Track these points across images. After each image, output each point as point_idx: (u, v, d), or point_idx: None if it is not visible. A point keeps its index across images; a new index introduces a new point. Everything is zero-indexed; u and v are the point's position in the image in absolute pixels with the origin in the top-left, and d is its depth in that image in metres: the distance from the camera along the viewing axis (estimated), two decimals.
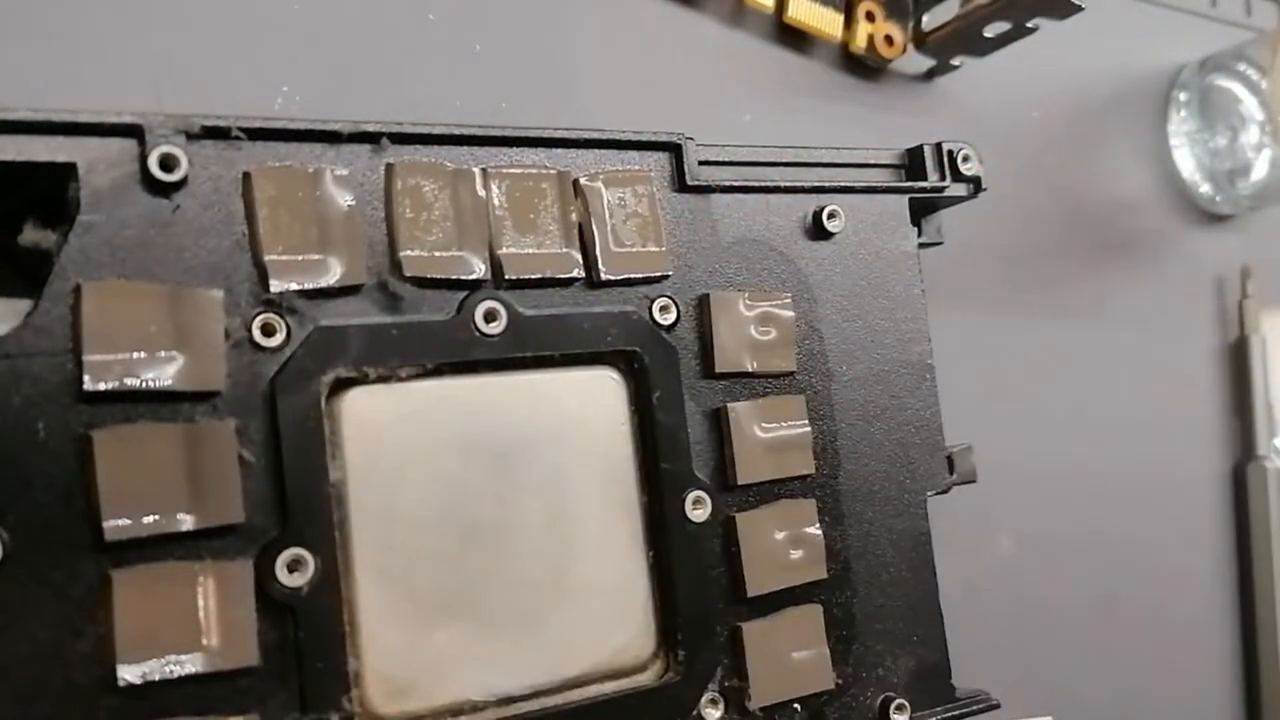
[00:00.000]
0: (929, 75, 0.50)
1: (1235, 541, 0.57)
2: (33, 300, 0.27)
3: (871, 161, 0.39)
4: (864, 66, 0.48)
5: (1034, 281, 0.52)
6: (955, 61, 0.49)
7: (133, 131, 0.27)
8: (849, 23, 0.46)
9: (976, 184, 0.40)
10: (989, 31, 0.46)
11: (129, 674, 0.26)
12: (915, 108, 0.49)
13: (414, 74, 0.38)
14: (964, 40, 0.47)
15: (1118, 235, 0.54)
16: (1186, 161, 0.58)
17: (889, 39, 0.47)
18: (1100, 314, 0.54)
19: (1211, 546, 0.56)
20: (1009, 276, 0.51)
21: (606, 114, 0.40)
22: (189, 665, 0.26)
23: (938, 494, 0.38)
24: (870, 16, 0.46)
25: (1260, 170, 0.56)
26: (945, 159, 0.39)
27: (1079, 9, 0.44)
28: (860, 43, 0.46)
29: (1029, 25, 0.46)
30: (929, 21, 0.48)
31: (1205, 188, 0.58)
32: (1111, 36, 0.56)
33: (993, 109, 0.51)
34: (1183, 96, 0.58)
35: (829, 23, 0.45)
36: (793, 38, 0.46)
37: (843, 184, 0.37)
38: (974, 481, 0.39)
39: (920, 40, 0.48)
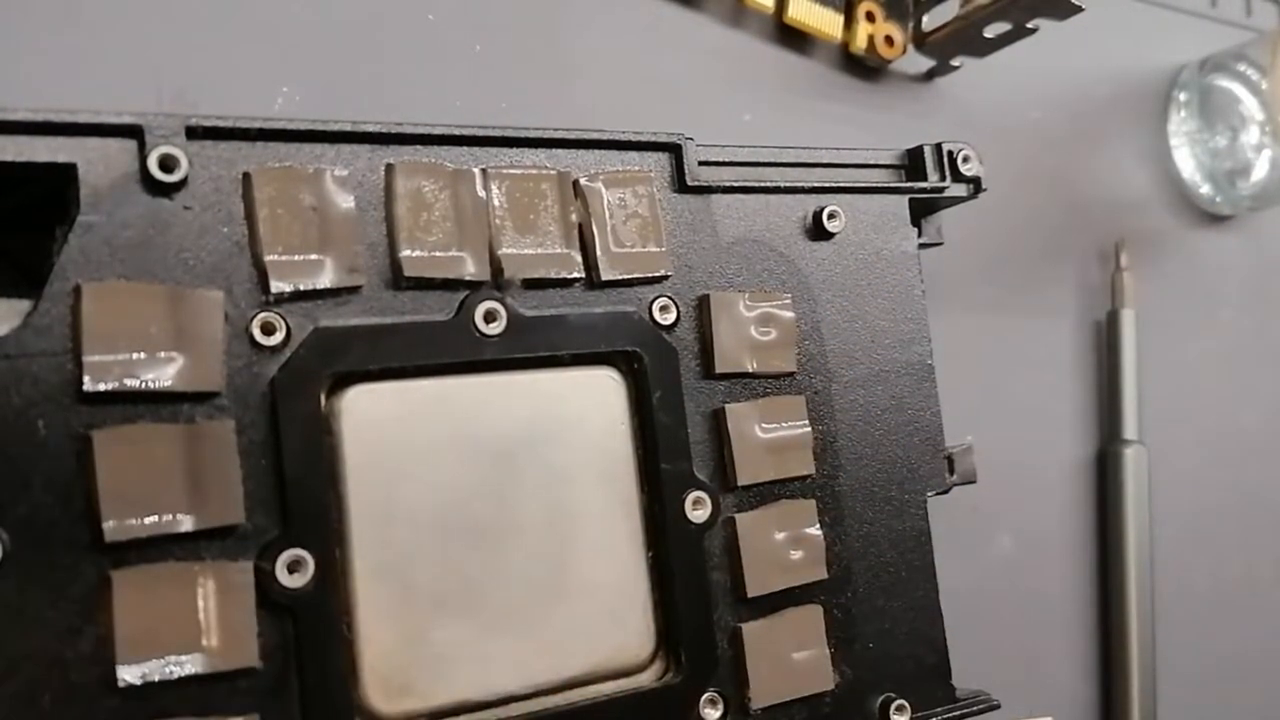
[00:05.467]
0: (929, 75, 0.50)
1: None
2: (32, 301, 0.27)
3: (871, 162, 0.39)
4: (864, 67, 0.48)
5: (1034, 281, 0.52)
6: (955, 62, 0.49)
7: (132, 132, 0.27)
8: (849, 23, 0.46)
9: (976, 184, 0.40)
10: (989, 32, 0.46)
11: (129, 675, 0.26)
12: (915, 108, 0.49)
13: (414, 74, 0.38)
14: (964, 41, 0.47)
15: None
16: (1186, 162, 0.57)
17: (889, 39, 0.47)
18: (1099, 314, 0.53)
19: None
20: (1009, 277, 0.51)
21: (606, 114, 0.40)
22: (189, 666, 0.26)
23: (938, 494, 0.38)
24: (870, 17, 0.46)
25: (1260, 170, 0.56)
26: (945, 159, 0.39)
27: (1079, 9, 0.44)
28: (860, 43, 0.46)
29: (1029, 25, 0.46)
30: (929, 22, 0.47)
31: (1205, 188, 0.57)
32: (1111, 36, 0.56)
33: (993, 109, 0.51)
34: (1183, 96, 0.57)
35: (829, 23, 0.45)
36: (793, 38, 0.46)
37: (843, 184, 0.37)
38: (974, 482, 0.39)
39: (920, 41, 0.48)
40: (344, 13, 0.37)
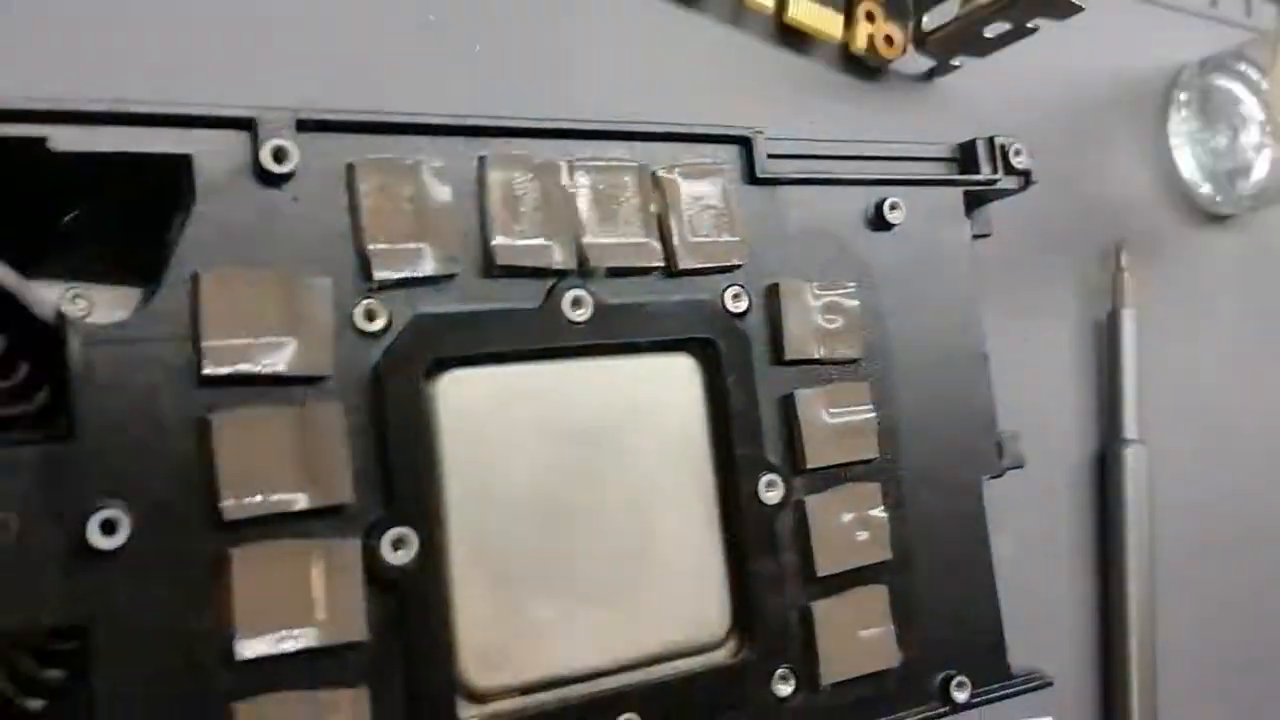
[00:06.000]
0: (929, 75, 0.50)
1: None
2: (142, 289, 0.28)
3: (927, 155, 0.40)
4: (864, 67, 0.48)
5: (1034, 281, 0.53)
6: (955, 62, 0.49)
7: (246, 124, 0.28)
8: (849, 23, 0.46)
9: (1027, 177, 0.41)
10: (989, 31, 0.46)
11: (246, 649, 0.27)
12: (915, 108, 0.49)
13: (414, 74, 0.38)
14: (964, 40, 0.47)
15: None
16: (1187, 161, 0.57)
17: (889, 39, 0.47)
18: (1099, 314, 0.54)
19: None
20: (1009, 276, 0.51)
21: (605, 115, 0.39)
22: (302, 640, 0.27)
23: (991, 478, 0.39)
24: (870, 17, 0.46)
25: (1260, 170, 0.56)
26: (997, 152, 0.41)
27: (1079, 9, 0.44)
28: (860, 43, 0.46)
29: (1029, 25, 0.45)
30: (929, 22, 0.47)
31: (1205, 188, 0.58)
32: (1111, 36, 0.56)
33: (993, 109, 0.51)
34: (1183, 96, 0.58)
35: (829, 23, 0.46)
36: (793, 38, 0.46)
37: (902, 176, 0.39)
38: (1022, 466, 0.41)
39: (920, 40, 0.48)
40: (346, 14, 0.38)
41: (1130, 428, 0.52)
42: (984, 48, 0.47)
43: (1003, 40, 0.46)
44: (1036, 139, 0.51)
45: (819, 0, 0.45)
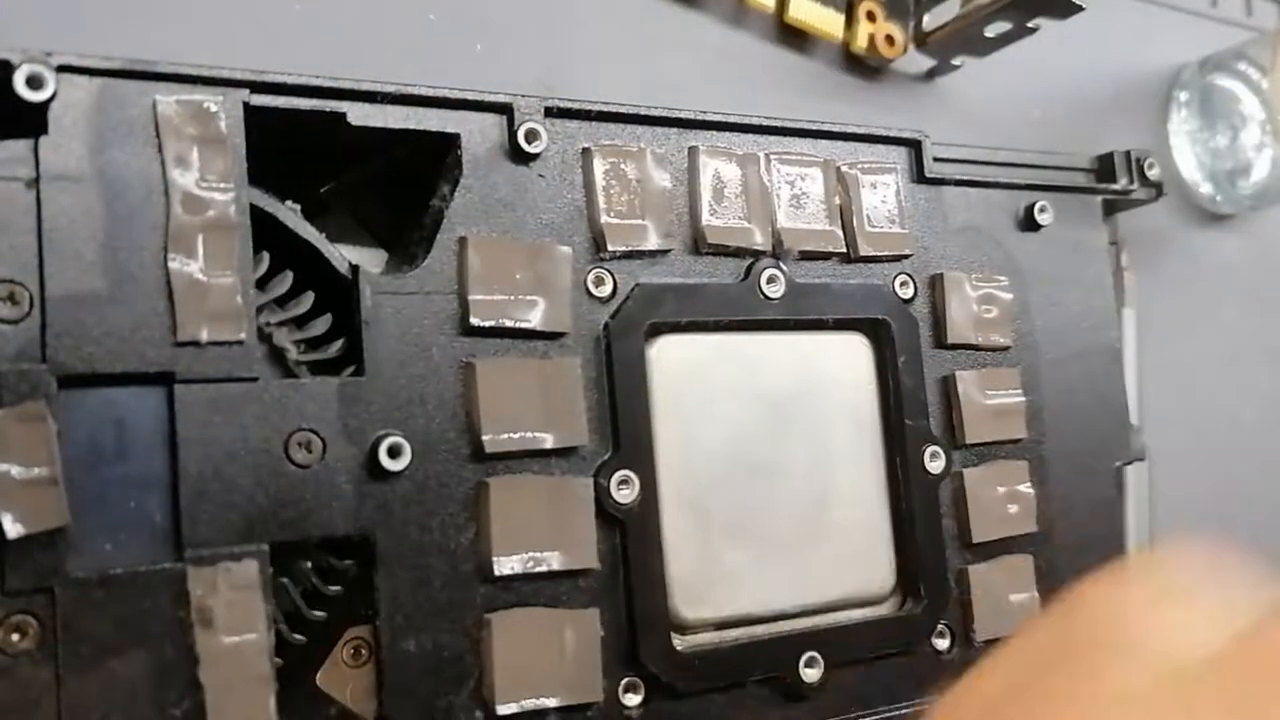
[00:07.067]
0: (930, 75, 0.49)
1: None
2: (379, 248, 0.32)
3: (1069, 164, 0.44)
4: (865, 66, 0.47)
5: None
6: (956, 61, 0.48)
7: (503, 109, 0.32)
8: (850, 23, 0.46)
9: (1159, 188, 0.45)
10: (989, 31, 0.45)
11: (503, 566, 0.30)
12: (916, 108, 0.49)
13: (415, 72, 0.36)
14: (964, 40, 0.46)
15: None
16: (1187, 161, 0.56)
17: (890, 39, 0.46)
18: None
19: None
20: None
21: None
22: (547, 563, 0.31)
23: (1124, 465, 0.43)
24: (871, 16, 0.46)
25: (1260, 170, 0.56)
26: (1133, 165, 0.44)
27: (1079, 9, 0.43)
28: (861, 43, 0.46)
29: (1029, 25, 0.45)
30: (930, 21, 0.47)
31: (1205, 188, 0.56)
32: (1111, 36, 0.55)
33: (993, 109, 0.50)
34: (1183, 96, 0.57)
35: (830, 23, 0.45)
36: (793, 38, 0.46)
37: (1050, 183, 0.42)
38: (1144, 459, 0.44)
39: (921, 40, 0.47)
40: (343, 13, 0.37)
41: None
42: (984, 48, 0.47)
43: (1003, 40, 0.46)
44: (1036, 139, 0.50)
45: (819, 0, 0.45)
